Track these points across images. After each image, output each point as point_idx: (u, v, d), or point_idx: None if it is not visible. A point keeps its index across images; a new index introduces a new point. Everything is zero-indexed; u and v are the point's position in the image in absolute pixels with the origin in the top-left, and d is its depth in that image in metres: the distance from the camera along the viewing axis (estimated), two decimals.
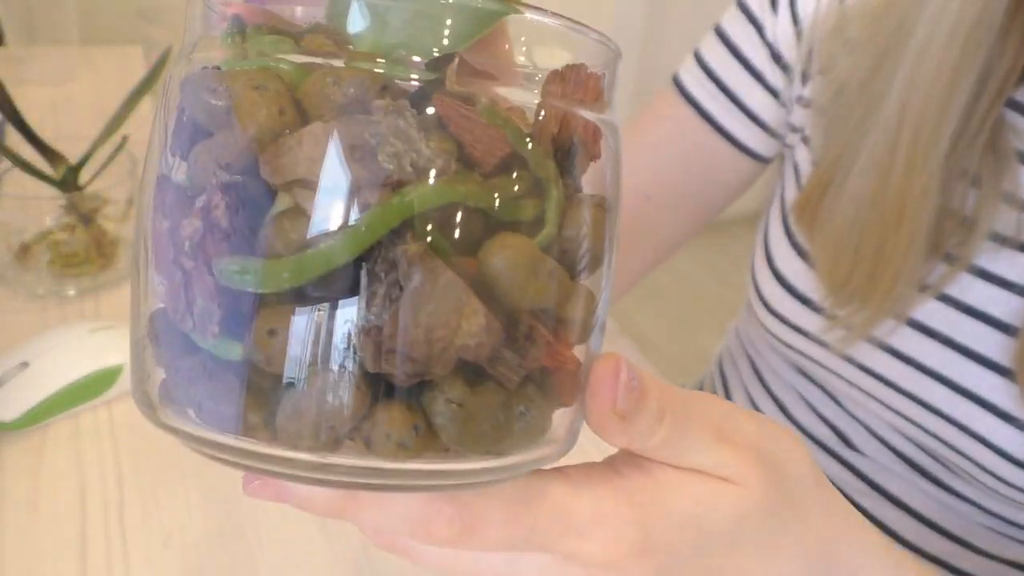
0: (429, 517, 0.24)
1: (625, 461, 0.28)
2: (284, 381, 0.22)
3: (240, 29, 0.24)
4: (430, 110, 0.22)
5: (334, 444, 0.22)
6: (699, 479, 0.27)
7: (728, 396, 0.68)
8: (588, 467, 0.28)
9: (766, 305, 0.59)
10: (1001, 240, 0.49)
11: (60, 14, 0.96)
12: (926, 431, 0.53)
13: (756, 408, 0.65)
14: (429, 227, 0.22)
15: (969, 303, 0.50)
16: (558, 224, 0.24)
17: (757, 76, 0.60)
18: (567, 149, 0.24)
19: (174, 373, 0.24)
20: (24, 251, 0.64)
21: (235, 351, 0.22)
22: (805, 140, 0.58)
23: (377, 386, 0.22)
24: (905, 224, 0.48)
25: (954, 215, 0.49)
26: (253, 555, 0.47)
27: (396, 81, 0.22)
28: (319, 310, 0.22)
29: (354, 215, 0.21)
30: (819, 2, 0.56)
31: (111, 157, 0.67)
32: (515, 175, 0.23)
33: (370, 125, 0.21)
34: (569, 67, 0.25)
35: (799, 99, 0.58)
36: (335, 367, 0.22)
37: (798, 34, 0.57)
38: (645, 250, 0.66)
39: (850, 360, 0.54)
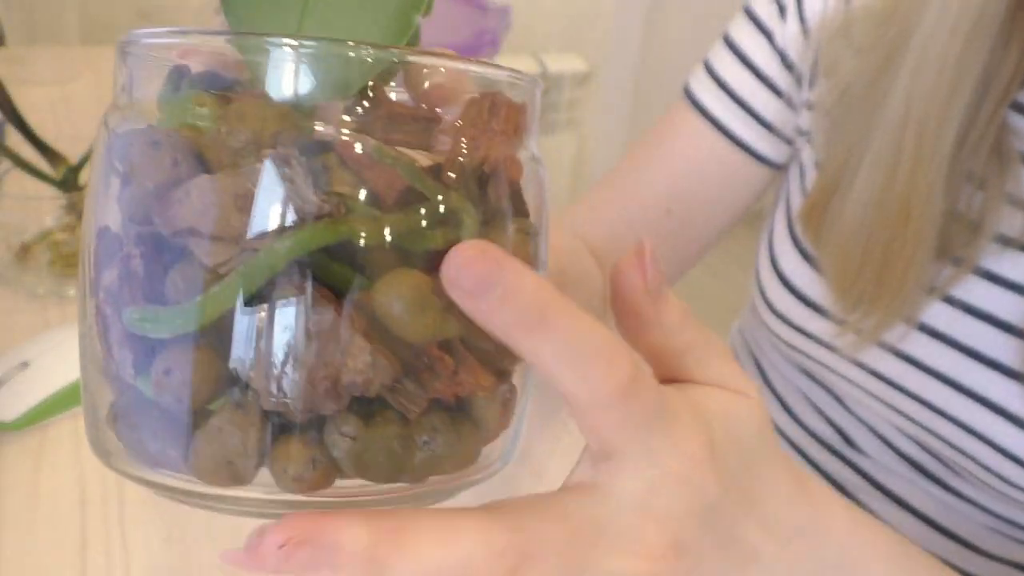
0: (481, 553, 0.22)
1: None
2: (188, 419, 0.23)
3: (176, 83, 0.25)
4: (329, 154, 0.23)
5: (241, 479, 0.23)
6: (726, 392, 0.27)
7: None
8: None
9: (772, 309, 0.59)
10: (1006, 241, 0.49)
11: (60, 14, 0.96)
12: (931, 432, 0.53)
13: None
14: (309, 270, 0.22)
15: (975, 305, 0.50)
16: None
17: (769, 84, 0.60)
18: (482, 177, 0.25)
19: (112, 410, 0.26)
20: (24, 251, 0.64)
21: (148, 390, 0.24)
22: (810, 143, 0.58)
23: (275, 422, 0.23)
24: (911, 226, 0.48)
25: (960, 217, 0.49)
26: None
27: (293, 129, 0.23)
28: (213, 351, 0.23)
29: (239, 262, 0.22)
30: (826, 4, 0.56)
31: None
32: (421, 208, 0.23)
33: (254, 174, 0.22)
34: (485, 95, 0.25)
35: (806, 103, 0.59)
36: (232, 405, 0.23)
37: (805, 35, 0.58)
38: (670, 266, 0.66)
39: (857, 364, 0.54)
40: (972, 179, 0.48)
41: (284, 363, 0.22)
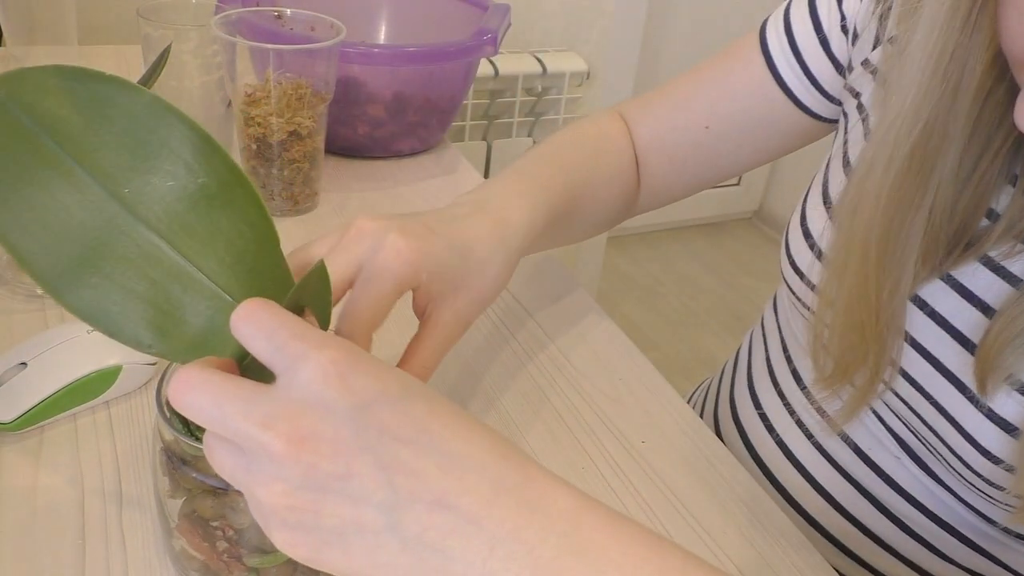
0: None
1: None
2: None
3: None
4: None
5: None
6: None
7: (749, 368, 0.70)
8: None
9: (792, 262, 0.60)
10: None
11: (60, 14, 0.96)
12: (910, 407, 0.53)
13: (774, 377, 0.65)
14: None
15: (967, 286, 0.50)
16: None
17: (824, 42, 0.61)
18: None
19: None
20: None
21: None
22: (859, 108, 0.59)
23: None
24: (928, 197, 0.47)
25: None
26: None
27: None
28: None
29: None
30: None
31: None
32: None
33: None
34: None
35: (864, 62, 0.59)
36: None
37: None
38: (702, 172, 0.70)
39: None
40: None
41: None
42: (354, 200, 0.84)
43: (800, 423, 0.63)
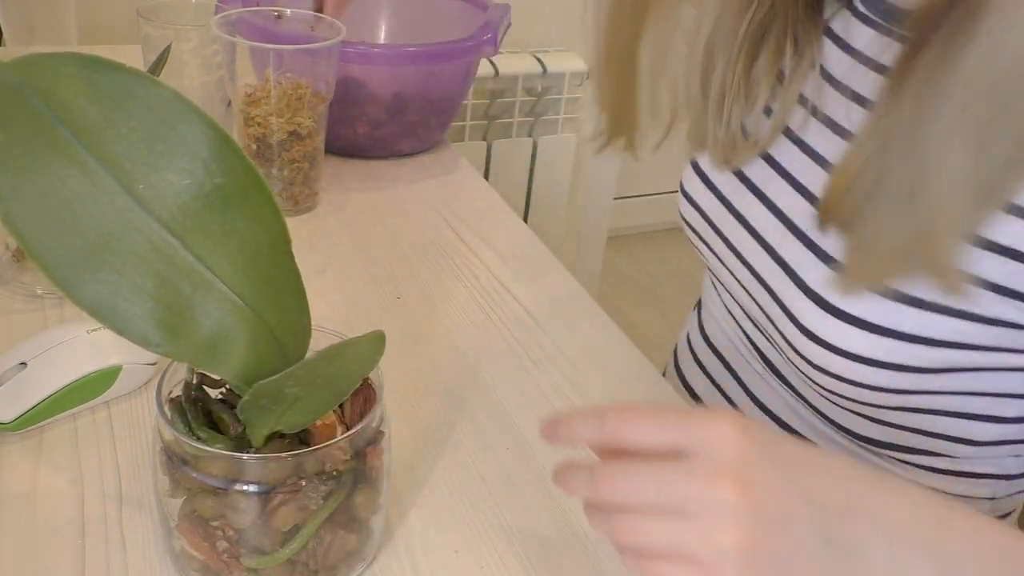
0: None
1: None
2: None
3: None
4: None
5: None
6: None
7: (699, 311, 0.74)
8: None
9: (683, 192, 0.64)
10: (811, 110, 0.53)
11: (59, 14, 0.96)
12: (758, 305, 0.56)
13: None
14: None
15: (786, 168, 0.55)
16: None
17: None
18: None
19: None
20: (23, 252, 0.64)
21: None
22: None
23: None
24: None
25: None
26: None
27: None
28: None
29: None
30: None
31: None
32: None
33: None
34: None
35: None
36: None
37: None
38: None
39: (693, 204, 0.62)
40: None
41: None
42: (354, 200, 0.84)
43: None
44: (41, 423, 0.52)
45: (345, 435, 0.41)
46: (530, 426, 0.58)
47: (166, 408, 0.41)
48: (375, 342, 0.39)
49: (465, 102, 1.69)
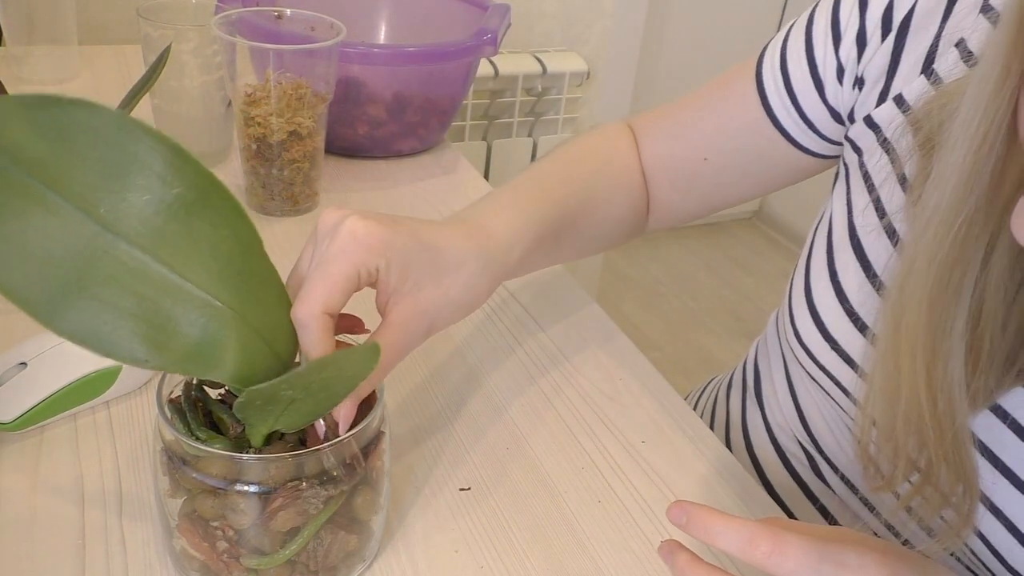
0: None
1: None
2: None
3: None
4: None
5: None
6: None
7: (758, 389, 0.67)
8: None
9: (799, 339, 0.57)
10: None
11: (60, 14, 0.96)
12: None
13: (779, 406, 0.64)
14: None
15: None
16: None
17: (819, 88, 0.57)
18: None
19: None
20: None
21: None
22: (861, 166, 0.54)
23: None
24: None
25: None
26: None
27: None
28: None
29: None
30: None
31: None
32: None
33: None
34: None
35: (867, 119, 0.54)
36: None
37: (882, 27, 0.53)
38: (702, 202, 0.68)
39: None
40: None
41: None
42: (354, 200, 0.84)
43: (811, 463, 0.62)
44: (41, 423, 0.53)
45: (345, 435, 0.41)
46: (528, 425, 0.58)
47: (166, 408, 0.41)
48: (369, 352, 0.39)
49: (465, 102, 1.69)
